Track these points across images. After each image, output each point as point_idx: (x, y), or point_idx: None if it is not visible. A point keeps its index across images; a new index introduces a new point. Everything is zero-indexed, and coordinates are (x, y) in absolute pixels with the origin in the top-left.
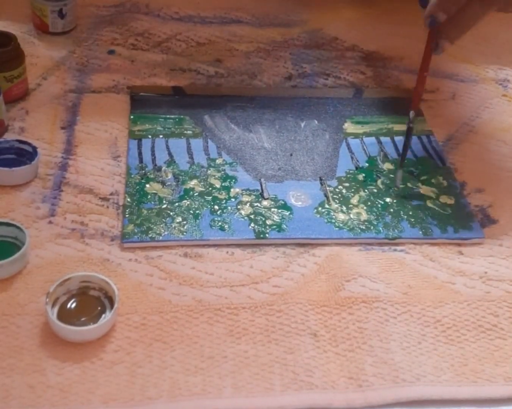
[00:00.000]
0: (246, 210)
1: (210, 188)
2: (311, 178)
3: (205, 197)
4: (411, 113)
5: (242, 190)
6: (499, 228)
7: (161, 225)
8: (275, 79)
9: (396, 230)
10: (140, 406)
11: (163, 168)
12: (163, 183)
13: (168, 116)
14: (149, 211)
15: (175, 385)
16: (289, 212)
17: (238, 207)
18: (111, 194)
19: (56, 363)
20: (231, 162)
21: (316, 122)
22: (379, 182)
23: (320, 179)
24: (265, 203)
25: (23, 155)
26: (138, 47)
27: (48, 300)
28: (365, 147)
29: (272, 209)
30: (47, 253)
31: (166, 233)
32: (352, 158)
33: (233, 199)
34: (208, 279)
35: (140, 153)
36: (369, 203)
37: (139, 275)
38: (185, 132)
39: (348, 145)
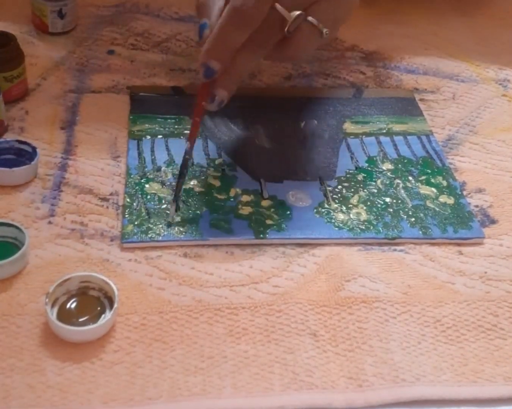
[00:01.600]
0: (246, 210)
1: (210, 188)
2: (310, 178)
3: (205, 197)
4: (187, 144)
5: (241, 190)
6: (499, 228)
7: (161, 225)
8: (275, 79)
9: (396, 230)
10: (140, 406)
11: (163, 168)
12: (163, 183)
13: (167, 116)
14: (149, 211)
15: (175, 385)
16: (288, 212)
17: (238, 207)
18: (111, 194)
19: (56, 363)
20: (230, 162)
21: (316, 122)
22: (379, 182)
23: (320, 179)
24: (264, 203)
25: (22, 155)
26: (138, 47)
27: (47, 300)
28: (365, 147)
29: (272, 209)
30: (46, 253)
31: (165, 233)
32: (352, 158)
33: (232, 199)
34: (208, 279)
35: (139, 153)
36: (369, 203)
37: (139, 275)
38: (185, 132)
39: (348, 145)
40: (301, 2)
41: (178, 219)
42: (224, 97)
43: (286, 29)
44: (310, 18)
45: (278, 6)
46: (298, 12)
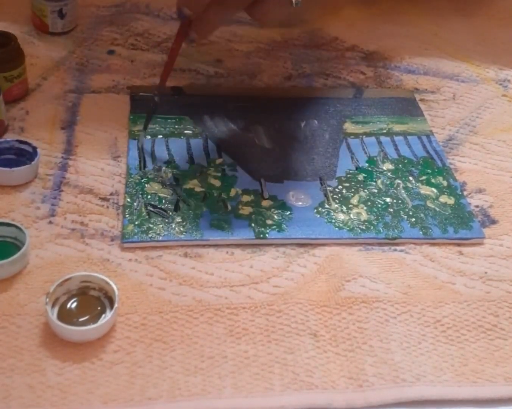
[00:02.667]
0: (246, 210)
1: (210, 188)
2: (311, 178)
3: (205, 197)
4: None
5: (241, 190)
6: (499, 228)
7: (161, 225)
8: (275, 79)
9: (396, 230)
10: (140, 406)
11: (163, 168)
12: (163, 183)
13: (167, 116)
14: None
15: (175, 385)
16: (289, 212)
17: (238, 207)
18: (111, 194)
19: (56, 363)
20: (230, 162)
21: (316, 122)
22: (379, 182)
23: (320, 179)
24: (264, 203)
25: (23, 155)
26: (138, 47)
27: (48, 300)
28: (365, 147)
29: (272, 209)
30: (47, 253)
31: (166, 233)
32: (352, 158)
33: (232, 199)
34: (208, 279)
35: (140, 153)
36: (369, 203)
37: (139, 275)
38: (185, 132)
39: (348, 145)
40: None
41: (179, 219)
42: (195, 38)
43: None
44: None
45: None
46: None
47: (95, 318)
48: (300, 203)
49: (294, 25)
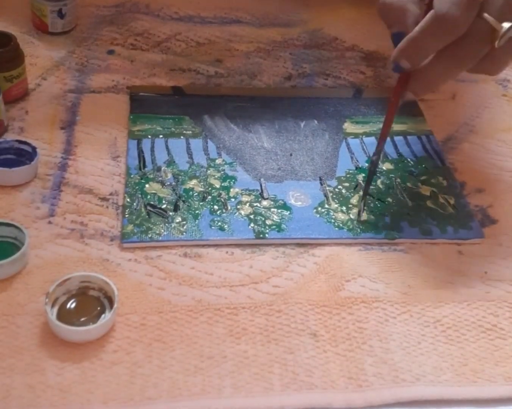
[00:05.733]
0: (246, 210)
1: (210, 188)
2: (310, 178)
3: (205, 197)
4: (374, 156)
5: (241, 190)
6: (499, 228)
7: (161, 225)
8: (275, 79)
9: (395, 230)
10: (140, 406)
11: (163, 168)
12: (162, 183)
13: (167, 116)
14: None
15: (175, 385)
16: (288, 212)
17: (238, 207)
18: (111, 194)
19: (56, 363)
20: (230, 162)
21: (315, 122)
22: (379, 182)
23: (320, 179)
24: (264, 203)
25: (22, 155)
26: (137, 47)
27: (47, 300)
28: (365, 147)
29: (272, 209)
30: (46, 253)
31: (165, 233)
32: (352, 158)
33: (232, 199)
34: (208, 279)
35: (139, 153)
36: (369, 203)
37: (139, 275)
38: (185, 132)
39: (348, 145)
40: (510, 11)
41: (178, 219)
42: (409, 98)
43: (496, 42)
44: None
45: (486, 15)
46: (510, 24)
47: (94, 318)
48: (300, 203)
49: None
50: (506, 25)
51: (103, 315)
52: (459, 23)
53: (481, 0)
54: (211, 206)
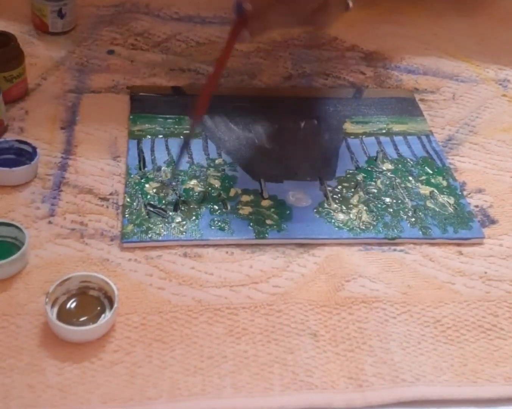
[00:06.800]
0: (246, 210)
1: (210, 188)
2: (310, 178)
3: (205, 197)
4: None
5: (241, 190)
6: (499, 228)
7: (161, 225)
8: (275, 79)
9: (395, 230)
10: (140, 406)
11: (163, 168)
12: (162, 183)
13: (167, 116)
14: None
15: (175, 385)
16: (288, 212)
17: (238, 207)
18: (111, 194)
19: (55, 363)
20: (230, 162)
21: (316, 122)
22: (379, 182)
23: (320, 179)
24: (264, 203)
25: (22, 155)
26: (137, 47)
27: (47, 300)
28: (364, 147)
29: (272, 209)
30: (46, 253)
31: (165, 233)
32: (352, 158)
33: (232, 199)
34: (208, 279)
35: (139, 153)
36: (369, 203)
37: (139, 275)
38: (185, 132)
39: (348, 145)
40: None
41: (178, 219)
42: (246, 38)
43: None
44: None
45: None
46: None
47: (94, 318)
48: (300, 203)
49: None
50: None
51: (103, 315)
52: None
53: None
54: (211, 206)
